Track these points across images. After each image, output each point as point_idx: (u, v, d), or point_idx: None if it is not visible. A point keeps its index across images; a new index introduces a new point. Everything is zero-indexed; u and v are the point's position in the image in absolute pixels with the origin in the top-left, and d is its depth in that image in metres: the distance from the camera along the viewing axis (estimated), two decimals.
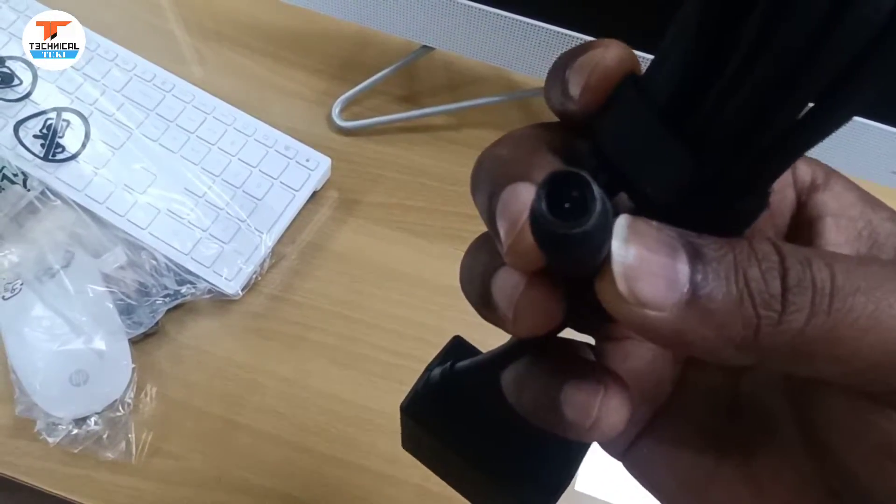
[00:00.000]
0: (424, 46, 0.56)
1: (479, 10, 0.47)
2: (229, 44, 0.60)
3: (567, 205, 0.12)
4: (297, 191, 0.51)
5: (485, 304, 0.16)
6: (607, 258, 0.13)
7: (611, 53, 0.15)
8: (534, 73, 0.51)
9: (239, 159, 0.51)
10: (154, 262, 0.47)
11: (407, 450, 0.28)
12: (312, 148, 0.53)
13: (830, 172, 0.18)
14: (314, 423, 0.46)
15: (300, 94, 0.58)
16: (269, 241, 0.49)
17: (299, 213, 0.52)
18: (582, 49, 0.15)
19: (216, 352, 0.48)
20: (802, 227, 0.17)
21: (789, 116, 0.11)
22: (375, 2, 0.50)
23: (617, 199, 0.15)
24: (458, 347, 0.27)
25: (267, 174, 0.51)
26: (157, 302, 0.45)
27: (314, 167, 0.51)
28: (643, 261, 0.13)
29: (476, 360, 0.22)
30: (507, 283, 0.15)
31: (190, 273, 0.47)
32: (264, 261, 0.49)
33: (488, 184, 0.15)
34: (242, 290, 0.48)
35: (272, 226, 0.49)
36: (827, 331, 0.12)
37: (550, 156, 0.15)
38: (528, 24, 0.47)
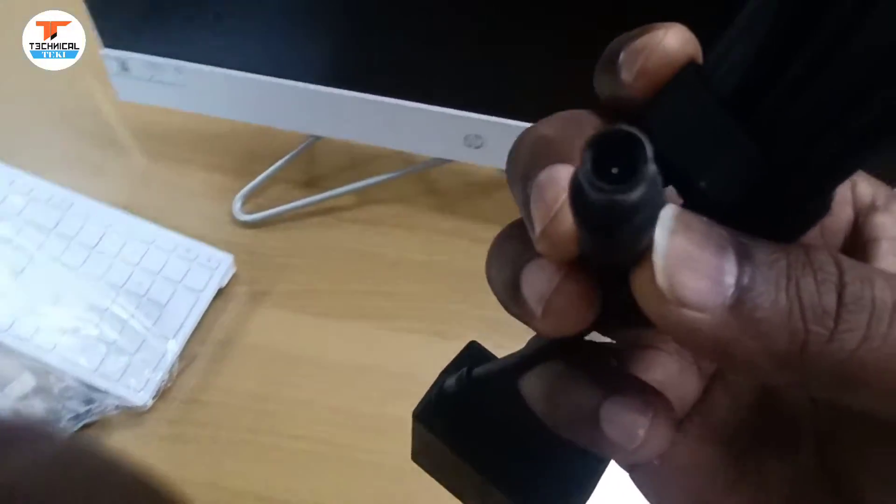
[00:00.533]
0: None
1: (357, 98, 0.49)
2: (128, 150, 0.62)
3: (614, 170, 0.11)
4: (200, 291, 0.52)
5: (512, 298, 0.15)
6: (648, 249, 0.12)
7: (672, 36, 0.13)
8: (423, 150, 0.54)
9: (141, 268, 0.52)
10: (62, 385, 0.47)
11: (417, 462, 0.26)
12: (217, 245, 0.54)
13: (894, 195, 0.16)
14: None
15: (202, 192, 0.60)
16: (175, 346, 0.49)
17: (207, 313, 0.53)
18: (640, 31, 0.14)
19: None
20: (857, 249, 0.16)
21: (872, 114, 0.10)
22: (261, 101, 0.53)
23: (665, 196, 0.13)
24: (474, 353, 0.25)
25: (170, 279, 0.52)
26: (65, 425, 0.46)
27: (216, 266, 0.53)
28: (688, 255, 0.12)
29: (496, 364, 0.21)
30: (538, 277, 0.14)
31: (98, 390, 0.47)
32: (173, 366, 0.49)
33: (526, 164, 0.14)
34: (152, 398, 0.48)
35: (178, 330, 0.50)
36: (882, 358, 0.11)
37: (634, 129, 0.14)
38: (404, 106, 0.49)
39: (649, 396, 0.16)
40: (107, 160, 0.61)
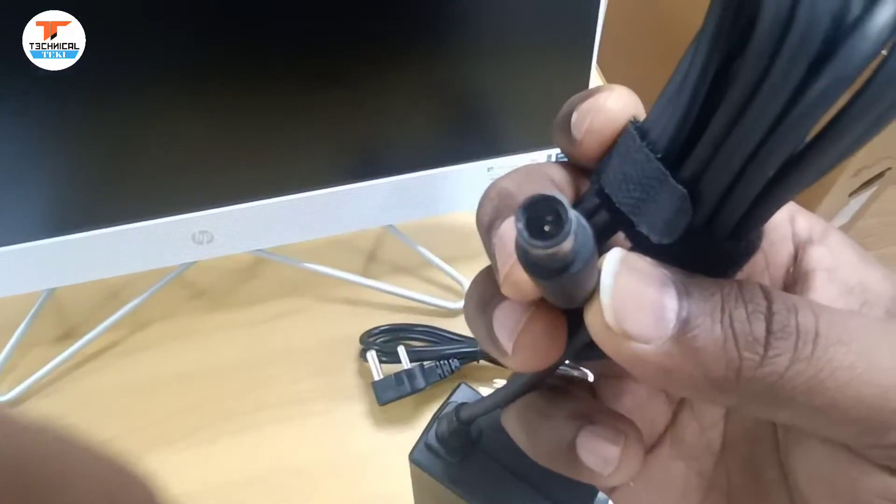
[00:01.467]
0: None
1: (69, 241, 0.48)
2: None
3: (546, 227, 0.12)
4: None
5: (488, 338, 0.16)
6: (597, 288, 0.13)
7: (614, 98, 0.15)
8: (155, 265, 0.52)
9: None
10: None
11: None
12: None
13: (829, 229, 0.18)
14: None
15: None
16: None
17: None
18: (588, 93, 0.16)
19: None
20: (798, 280, 0.17)
21: (767, 170, 0.12)
22: None
23: (615, 238, 0.15)
24: (462, 394, 0.26)
25: None
26: None
27: None
28: (632, 293, 0.13)
29: (481, 404, 0.22)
30: (508, 317, 0.15)
31: None
32: None
33: (489, 215, 0.16)
34: None
35: None
36: (807, 379, 0.12)
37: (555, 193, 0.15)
38: (119, 231, 0.48)
39: (620, 424, 0.17)
40: None
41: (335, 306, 0.59)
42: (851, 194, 0.69)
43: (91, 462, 0.16)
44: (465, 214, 0.63)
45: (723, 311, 0.13)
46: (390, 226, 0.58)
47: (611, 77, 0.67)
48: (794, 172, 0.12)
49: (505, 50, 0.47)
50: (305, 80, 0.45)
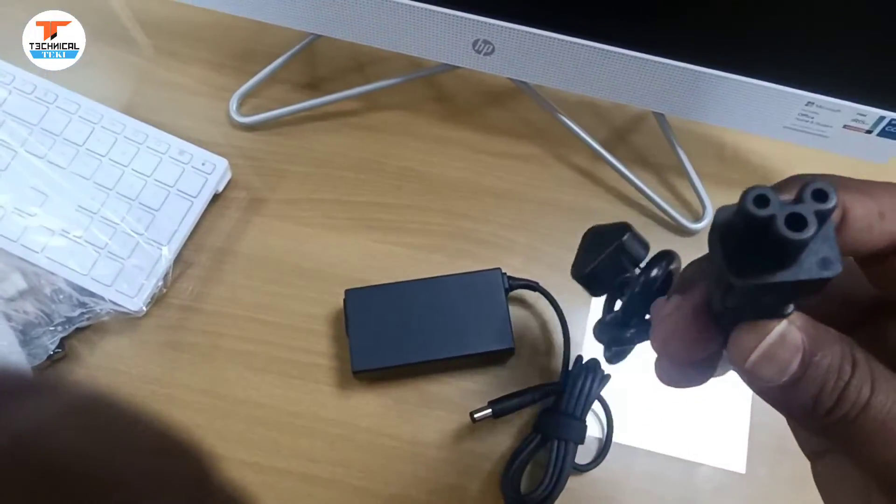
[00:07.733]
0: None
1: None
2: (114, 41, 0.58)
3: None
4: (194, 197, 0.49)
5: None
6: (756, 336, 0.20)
7: None
8: (427, 55, 0.50)
9: (132, 170, 0.50)
10: (53, 287, 0.45)
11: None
12: (212, 148, 0.52)
13: None
14: (234, 431, 0.46)
15: (195, 90, 0.56)
16: (168, 253, 0.48)
17: (204, 218, 0.51)
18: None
19: (129, 370, 0.47)
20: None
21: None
22: None
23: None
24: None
25: (162, 183, 0.49)
26: (57, 328, 0.44)
27: (210, 171, 0.50)
28: (771, 352, 0.19)
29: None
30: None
31: (91, 294, 0.46)
32: (167, 273, 0.48)
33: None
34: (146, 305, 0.47)
35: (171, 236, 0.48)
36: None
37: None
38: (409, 6, 0.45)
39: None
40: (93, 51, 0.57)
41: (565, 169, 0.55)
42: None
43: (141, 436, 0.17)
44: (741, 137, 0.55)
45: (826, 380, 0.18)
46: (661, 115, 0.53)
47: None
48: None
49: None
50: None
